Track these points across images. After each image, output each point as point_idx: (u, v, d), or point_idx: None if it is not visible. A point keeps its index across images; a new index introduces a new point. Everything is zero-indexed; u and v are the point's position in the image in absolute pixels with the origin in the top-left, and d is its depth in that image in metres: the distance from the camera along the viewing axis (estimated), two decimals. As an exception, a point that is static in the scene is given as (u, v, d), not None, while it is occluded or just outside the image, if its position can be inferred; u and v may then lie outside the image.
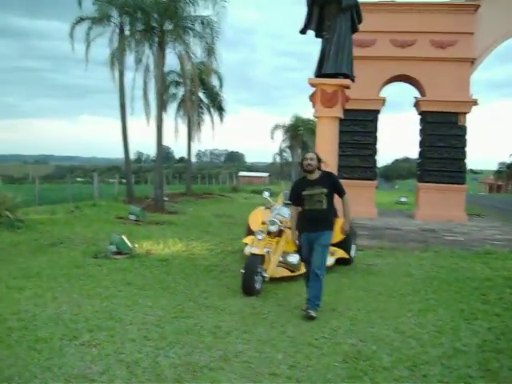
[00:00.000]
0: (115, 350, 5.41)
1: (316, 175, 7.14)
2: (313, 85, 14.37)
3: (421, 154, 22.54)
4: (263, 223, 9.34)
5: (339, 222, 8.26)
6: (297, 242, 7.46)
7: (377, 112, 21.68)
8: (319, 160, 7.17)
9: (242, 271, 8.07)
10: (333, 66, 13.87)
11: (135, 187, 29.19)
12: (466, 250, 13.36)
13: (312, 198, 7.03)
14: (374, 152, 21.88)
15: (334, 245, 10.35)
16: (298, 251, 7.60)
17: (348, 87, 14.33)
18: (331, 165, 14.52)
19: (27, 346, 5.42)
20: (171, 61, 23.03)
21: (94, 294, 7.58)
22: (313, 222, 7.06)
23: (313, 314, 6.73)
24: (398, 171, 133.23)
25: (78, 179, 67.89)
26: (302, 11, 14.44)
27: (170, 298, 7.58)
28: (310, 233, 7.08)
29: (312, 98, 14.64)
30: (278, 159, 63.05)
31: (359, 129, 21.35)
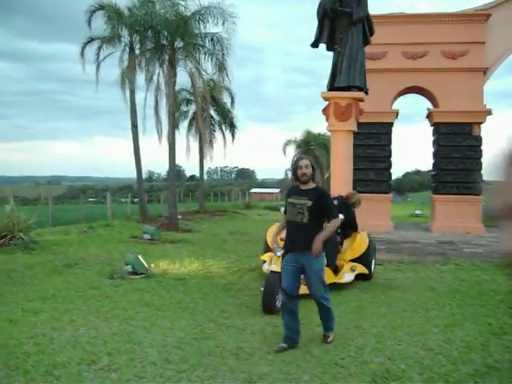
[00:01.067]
0: (136, 374, 5.24)
1: (309, 186, 6.31)
2: (326, 98, 14.29)
3: (435, 165, 22.30)
4: (281, 240, 9.15)
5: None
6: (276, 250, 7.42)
7: (390, 125, 21.51)
8: (314, 168, 6.36)
9: (262, 289, 7.89)
10: (345, 79, 13.79)
11: (148, 206, 29.07)
12: (486, 262, 13.10)
13: (294, 208, 6.23)
14: (389, 165, 21.67)
15: (354, 260, 10.19)
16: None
17: (362, 100, 14.23)
18: (346, 178, 14.38)
19: (44, 371, 5.26)
20: (182, 78, 23.07)
21: (112, 316, 7.42)
22: (293, 238, 6.26)
23: (330, 338, 6.38)
24: (409, 184, 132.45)
25: (91, 199, 68.00)
26: (311, 27, 14.41)
27: (190, 319, 7.40)
28: (292, 251, 6.24)
29: (325, 111, 14.55)
30: (289, 175, 62.85)
31: (373, 142, 21.16)
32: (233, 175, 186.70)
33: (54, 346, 6.03)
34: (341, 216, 9.13)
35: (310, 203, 6.14)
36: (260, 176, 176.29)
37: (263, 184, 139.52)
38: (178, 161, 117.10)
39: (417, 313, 7.96)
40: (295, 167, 6.38)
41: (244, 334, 6.70)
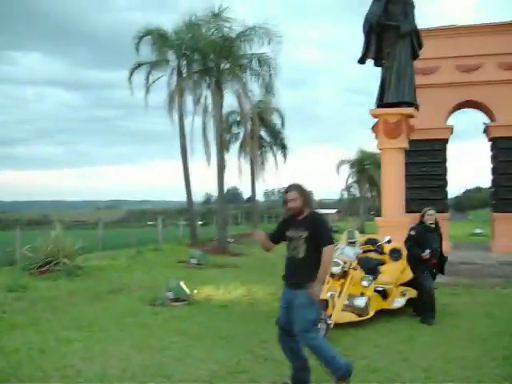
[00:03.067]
0: (160, 412, 4.89)
1: (304, 214, 5.56)
2: (375, 115, 13.83)
3: (494, 182, 21.35)
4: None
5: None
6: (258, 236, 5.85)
7: (445, 141, 20.76)
8: (305, 196, 5.58)
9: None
10: (395, 95, 13.30)
11: (203, 229, 28.89)
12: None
13: (291, 242, 5.54)
14: (445, 183, 20.88)
15: (404, 284, 9.58)
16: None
17: (412, 116, 13.68)
18: (398, 198, 13.80)
19: (66, 408, 4.97)
20: (232, 101, 23.18)
21: (146, 346, 7.10)
22: (287, 274, 5.63)
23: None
24: (470, 202, 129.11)
25: (149, 223, 68.47)
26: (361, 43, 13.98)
27: (227, 349, 7.01)
28: (286, 287, 5.63)
29: (374, 129, 14.12)
30: (345, 195, 62.01)
31: (427, 159, 20.39)
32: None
33: (81, 379, 5.77)
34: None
35: (306, 234, 5.42)
36: (317, 197, 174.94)
37: (320, 204, 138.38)
38: (234, 183, 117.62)
39: (472, 343, 7.32)
40: (283, 200, 5.67)
41: (282, 366, 6.23)
